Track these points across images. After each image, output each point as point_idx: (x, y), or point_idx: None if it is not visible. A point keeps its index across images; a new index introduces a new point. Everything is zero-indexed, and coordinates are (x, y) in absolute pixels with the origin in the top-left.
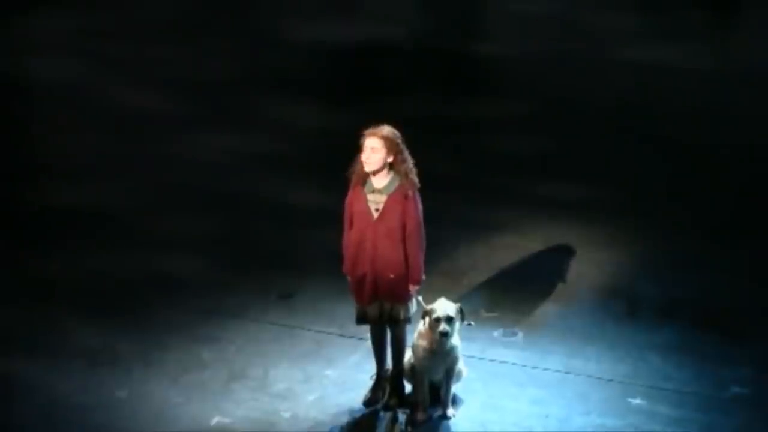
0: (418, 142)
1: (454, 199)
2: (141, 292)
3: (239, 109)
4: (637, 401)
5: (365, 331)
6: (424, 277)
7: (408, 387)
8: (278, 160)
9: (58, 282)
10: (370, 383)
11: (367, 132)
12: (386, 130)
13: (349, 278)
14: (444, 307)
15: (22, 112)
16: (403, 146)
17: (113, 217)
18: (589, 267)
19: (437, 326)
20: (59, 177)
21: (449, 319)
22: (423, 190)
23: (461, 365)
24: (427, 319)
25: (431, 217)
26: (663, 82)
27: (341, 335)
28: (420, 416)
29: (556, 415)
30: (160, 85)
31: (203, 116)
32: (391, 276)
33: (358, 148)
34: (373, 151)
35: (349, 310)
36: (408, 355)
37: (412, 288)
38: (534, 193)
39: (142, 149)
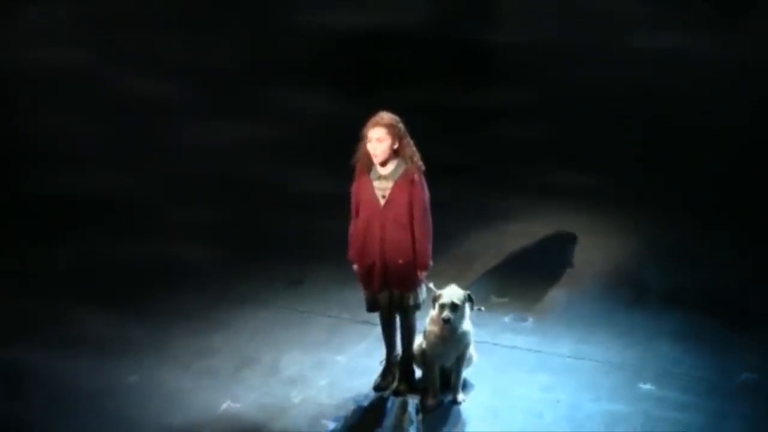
0: (428, 130)
1: (465, 187)
2: (151, 279)
3: (249, 97)
4: (646, 387)
5: (375, 317)
6: (431, 262)
7: (418, 372)
8: (288, 147)
9: (68, 270)
10: (380, 369)
11: (369, 122)
12: (387, 117)
13: (355, 267)
14: (450, 293)
15: (31, 100)
16: (405, 131)
17: (123, 204)
18: (597, 254)
19: (441, 312)
20: (69, 165)
21: (453, 306)
22: (434, 179)
23: (472, 351)
24: (436, 304)
25: (442, 205)
26: (674, 71)
27: (351, 321)
28: (430, 402)
29: (566, 401)
30: (170, 73)
31: (212, 104)
32: (400, 262)
33: (360, 137)
34: (379, 141)
35: (359, 296)
36: (419, 341)
37: (421, 274)
38: (543, 181)
39: (151, 137)
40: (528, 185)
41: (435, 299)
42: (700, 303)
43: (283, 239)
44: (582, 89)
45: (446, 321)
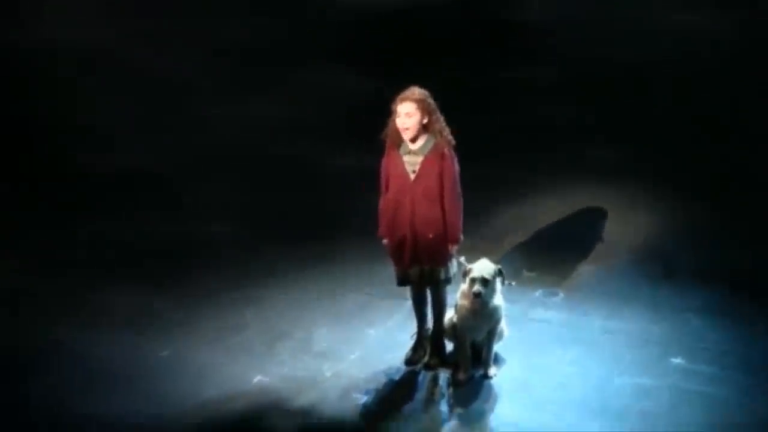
0: (457, 106)
1: (494, 163)
2: (183, 255)
3: (279, 74)
4: (675, 361)
5: (406, 291)
6: (462, 236)
7: (449, 347)
8: (318, 123)
9: (99, 246)
10: (411, 343)
11: (398, 98)
12: (417, 92)
13: (385, 242)
14: (481, 268)
15: (62, 80)
16: (434, 105)
17: (154, 181)
18: (627, 229)
19: (472, 286)
20: (100, 142)
21: (484, 281)
22: (463, 155)
23: (503, 325)
24: (467, 279)
25: (471, 181)
26: (702, 46)
27: (382, 296)
28: (461, 376)
29: (596, 375)
30: (200, 52)
31: (242, 81)
32: (431, 236)
33: (389, 113)
34: (408, 116)
35: (390, 270)
36: (450, 315)
37: (452, 247)
38: (573, 156)
39: (181, 115)
40: (558, 160)
41: (466, 273)
42: (730, 278)
43: (314, 215)
44: (613, 64)
45: (477, 295)
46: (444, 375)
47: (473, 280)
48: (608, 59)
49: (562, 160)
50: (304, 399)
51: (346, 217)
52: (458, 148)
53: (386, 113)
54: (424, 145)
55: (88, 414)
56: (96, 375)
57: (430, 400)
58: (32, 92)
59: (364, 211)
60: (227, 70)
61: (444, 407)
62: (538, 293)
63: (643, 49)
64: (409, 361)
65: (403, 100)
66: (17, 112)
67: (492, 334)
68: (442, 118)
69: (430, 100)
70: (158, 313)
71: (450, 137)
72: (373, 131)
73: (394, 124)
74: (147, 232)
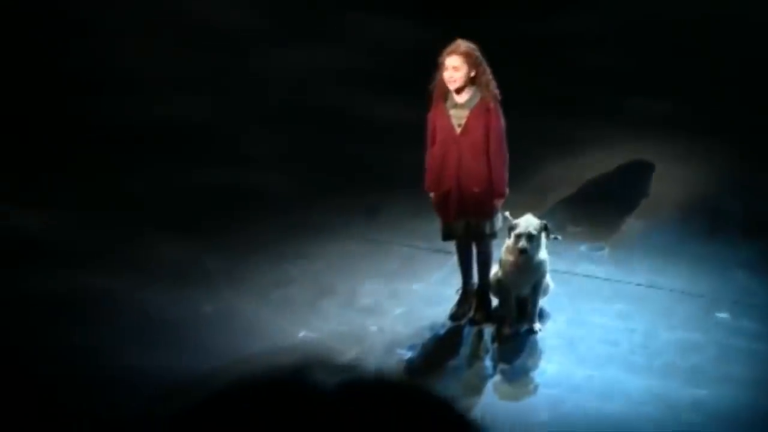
0: (503, 58)
1: (540, 116)
2: (228, 208)
3: (328, 24)
4: (721, 316)
5: (452, 246)
6: (507, 190)
7: (494, 302)
8: (366, 75)
9: (144, 199)
10: (456, 298)
11: (445, 51)
12: (464, 45)
13: (432, 196)
14: (526, 223)
15: (109, 29)
16: (482, 59)
17: (201, 132)
18: (674, 182)
19: (517, 242)
20: (144, 93)
21: (529, 236)
22: (509, 108)
23: (548, 280)
24: (512, 234)
25: (517, 134)
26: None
27: (428, 250)
28: (507, 331)
29: (641, 330)
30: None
31: (291, 31)
32: (476, 190)
33: (436, 66)
34: (455, 69)
35: (436, 225)
36: (495, 270)
37: (497, 201)
38: (619, 109)
39: (228, 64)
40: (603, 113)
41: (511, 228)
42: None
43: (360, 168)
44: (657, 17)
45: (522, 251)
46: (489, 330)
47: (519, 236)
48: (656, 11)
49: (608, 112)
50: (348, 355)
51: (394, 171)
52: (503, 102)
53: (435, 66)
54: (471, 99)
55: (132, 365)
56: (139, 328)
57: (475, 356)
58: (81, 43)
59: (411, 165)
60: (276, 19)
61: (489, 362)
62: (583, 247)
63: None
64: (454, 316)
65: (451, 53)
66: (66, 64)
67: (537, 289)
68: (489, 71)
69: (478, 53)
70: (203, 265)
71: (496, 91)
72: (423, 83)
73: (442, 77)
74: (193, 183)
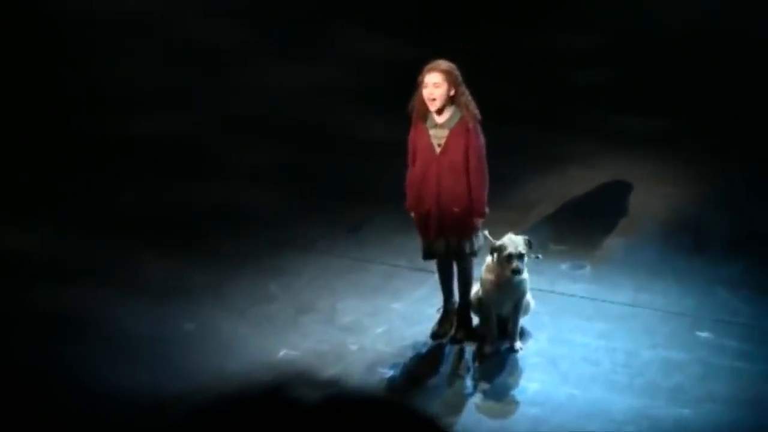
0: (490, 73)
1: (524, 132)
2: (209, 224)
3: (310, 40)
4: (704, 335)
5: (432, 264)
6: (487, 210)
7: (475, 320)
8: (348, 92)
9: (127, 213)
10: (437, 316)
11: (425, 69)
12: (444, 64)
13: (413, 215)
14: (513, 243)
15: (93, 45)
16: (461, 79)
17: (184, 148)
18: (657, 200)
19: (509, 264)
20: (130, 108)
21: (520, 256)
22: (494, 123)
23: (529, 298)
24: (496, 255)
25: (500, 150)
26: (737, 12)
27: (409, 268)
28: (487, 349)
29: (623, 349)
30: (231, 15)
31: (274, 47)
32: (456, 210)
33: (416, 85)
34: (436, 86)
35: (417, 243)
36: (476, 289)
37: (477, 221)
38: (604, 126)
39: (212, 80)
40: (588, 130)
41: (496, 249)
42: (760, 251)
43: (342, 186)
44: (645, 33)
45: (517, 272)
46: (470, 349)
47: (510, 257)
48: (644, 27)
49: (592, 129)
50: (330, 373)
51: (375, 188)
52: (488, 115)
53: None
54: (450, 118)
55: (111, 382)
56: (119, 344)
57: (456, 375)
58: (69, 59)
59: (392, 182)
60: (260, 35)
61: (470, 381)
62: (565, 266)
63: (681, 16)
64: (435, 335)
65: (431, 70)
66: (54, 78)
67: (518, 308)
68: (468, 93)
69: (457, 73)
70: (184, 282)
71: (476, 111)
72: (406, 100)
73: (421, 96)
74: (174, 199)
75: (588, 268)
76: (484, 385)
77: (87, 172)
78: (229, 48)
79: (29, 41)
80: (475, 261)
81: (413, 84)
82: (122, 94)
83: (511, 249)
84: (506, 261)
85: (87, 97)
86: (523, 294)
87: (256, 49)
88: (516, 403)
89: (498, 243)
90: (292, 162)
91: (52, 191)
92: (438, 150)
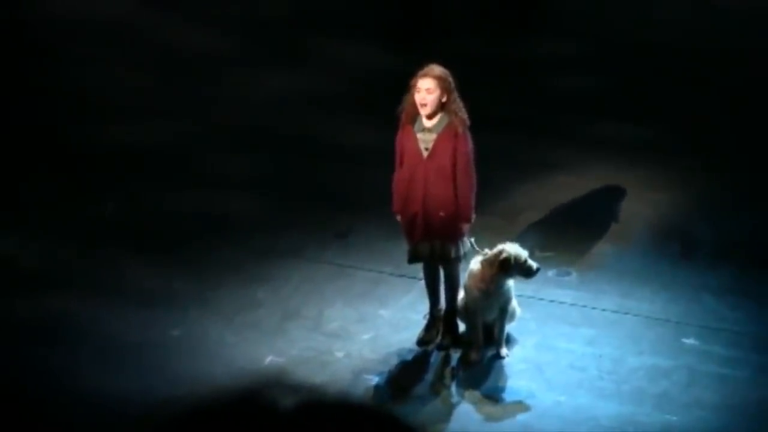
0: (475, 81)
1: (511, 139)
2: (196, 231)
3: (294, 48)
4: (690, 341)
5: (419, 270)
6: (474, 215)
7: (462, 327)
8: (334, 98)
9: (113, 221)
10: (423, 323)
11: (419, 73)
12: (438, 69)
13: (399, 218)
14: (514, 250)
15: (77, 52)
16: (453, 86)
17: (169, 156)
18: (643, 207)
19: (525, 265)
20: (115, 116)
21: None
22: (480, 130)
23: (515, 305)
24: (522, 263)
25: (487, 157)
26: (721, 23)
27: (395, 275)
28: (474, 356)
29: (609, 355)
30: (216, 24)
31: (259, 55)
32: (442, 214)
33: (407, 88)
34: (428, 92)
35: (404, 249)
36: (461, 295)
37: (463, 226)
38: (590, 133)
39: (197, 88)
40: (575, 137)
41: (504, 261)
42: (746, 258)
43: (328, 192)
44: (630, 40)
45: (537, 270)
46: (456, 356)
47: (525, 261)
48: (629, 35)
49: (579, 137)
50: (316, 380)
51: (362, 194)
52: (476, 122)
53: (404, 89)
54: (439, 123)
55: (97, 388)
56: (105, 351)
57: (442, 381)
58: (51, 67)
59: (379, 188)
60: (244, 42)
61: (456, 388)
62: (551, 272)
63: (665, 24)
64: (421, 342)
65: (425, 75)
66: (36, 86)
67: (503, 314)
68: (459, 100)
69: (451, 80)
70: (170, 288)
71: (465, 117)
72: (392, 106)
73: (412, 99)
74: (160, 207)
75: (574, 275)
76: (470, 392)
77: (71, 179)
78: (212, 56)
79: (10, 48)
80: (462, 267)
81: (397, 91)
82: (105, 102)
83: (521, 254)
84: (523, 265)
85: (70, 104)
86: (508, 301)
87: (239, 58)
88: (502, 409)
89: (504, 255)
90: (278, 169)
91: (35, 198)
92: (425, 154)
